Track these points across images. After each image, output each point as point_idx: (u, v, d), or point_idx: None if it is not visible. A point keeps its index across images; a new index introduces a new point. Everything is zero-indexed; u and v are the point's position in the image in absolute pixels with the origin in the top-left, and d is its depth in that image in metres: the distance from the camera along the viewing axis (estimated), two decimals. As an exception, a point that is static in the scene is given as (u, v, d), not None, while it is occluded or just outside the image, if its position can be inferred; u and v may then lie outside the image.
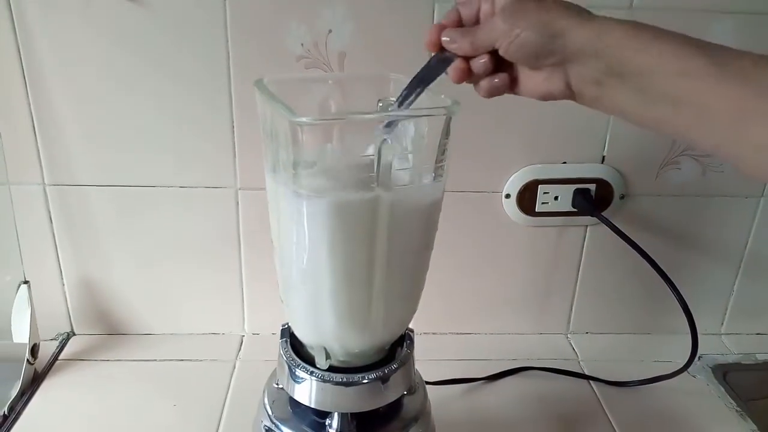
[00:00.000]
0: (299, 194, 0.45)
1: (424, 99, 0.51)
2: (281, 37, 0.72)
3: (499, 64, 0.46)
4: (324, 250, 0.46)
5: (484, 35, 0.45)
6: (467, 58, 0.46)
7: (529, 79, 0.47)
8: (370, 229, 0.46)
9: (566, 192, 0.81)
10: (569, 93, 0.46)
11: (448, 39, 0.46)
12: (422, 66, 0.47)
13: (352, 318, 0.50)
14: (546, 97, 0.47)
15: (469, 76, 0.47)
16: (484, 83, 0.48)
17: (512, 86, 0.48)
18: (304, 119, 0.42)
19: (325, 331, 0.50)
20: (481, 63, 0.46)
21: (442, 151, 0.48)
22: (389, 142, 0.45)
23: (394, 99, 0.54)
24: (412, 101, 0.47)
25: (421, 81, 0.47)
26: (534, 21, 0.43)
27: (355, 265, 0.47)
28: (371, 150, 0.45)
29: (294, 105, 0.47)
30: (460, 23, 0.47)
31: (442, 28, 0.47)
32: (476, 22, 0.46)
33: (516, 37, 0.43)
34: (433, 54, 0.47)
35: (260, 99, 0.47)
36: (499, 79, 0.47)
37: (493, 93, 0.48)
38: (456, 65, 0.47)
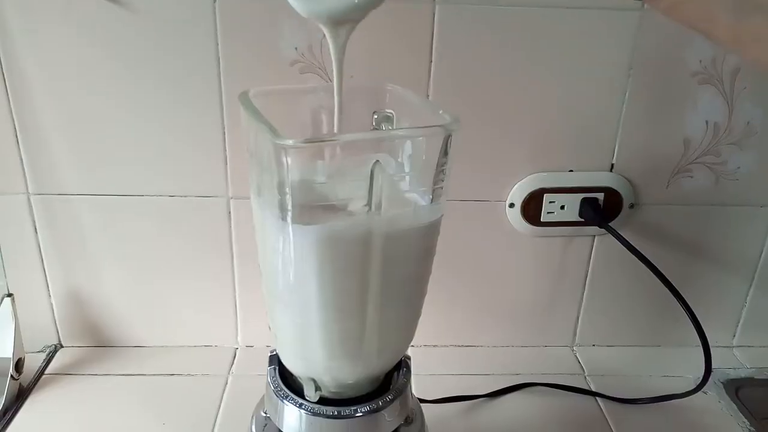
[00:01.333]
0: (285, 221, 0.41)
1: (425, 115, 0.47)
2: (274, 41, 0.68)
3: None
4: (313, 279, 0.43)
5: None
6: None
7: None
8: (363, 257, 0.43)
9: (573, 201, 0.78)
10: None
11: None
12: None
13: (343, 350, 0.46)
14: None
15: None
16: None
17: None
18: (289, 142, 0.38)
19: (315, 362, 0.47)
20: None
21: (440, 171, 0.44)
22: (382, 162, 0.41)
23: (391, 111, 0.51)
24: None
25: None
26: None
27: (346, 295, 0.44)
28: (363, 172, 0.41)
29: (284, 117, 0.44)
30: None
31: None
32: None
33: None
34: None
35: (244, 116, 0.44)
36: None
37: None
38: None
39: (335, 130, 0.45)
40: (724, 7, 0.36)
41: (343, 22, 0.43)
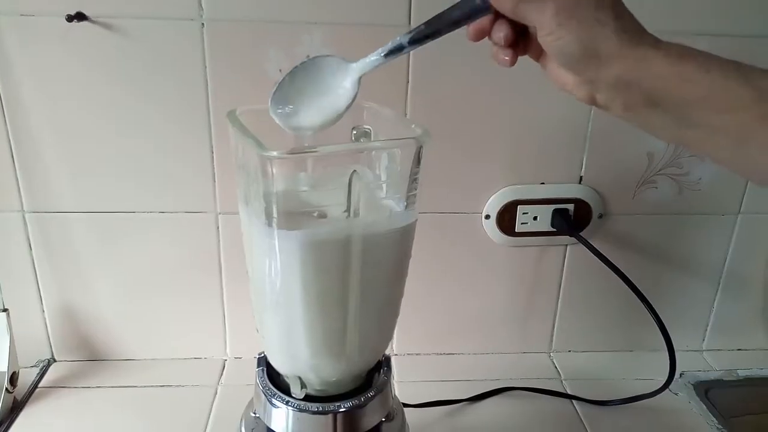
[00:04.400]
0: (271, 227, 0.45)
1: (400, 129, 0.51)
2: (260, 63, 0.72)
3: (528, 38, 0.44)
4: (297, 281, 0.46)
5: (530, 11, 0.41)
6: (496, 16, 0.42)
7: (554, 71, 0.44)
8: (343, 259, 0.46)
9: (545, 212, 0.82)
10: (593, 103, 0.44)
11: None
12: (447, 8, 0.43)
13: (327, 348, 0.50)
14: (565, 92, 0.45)
15: (486, 36, 0.44)
16: (499, 51, 0.44)
17: (537, 57, 0.45)
18: (273, 153, 0.42)
19: (301, 361, 0.50)
20: (501, 36, 0.43)
21: (413, 179, 0.48)
22: (359, 172, 0.45)
23: (368, 127, 0.55)
24: (414, 47, 0.44)
25: (437, 30, 0.43)
26: (582, 30, 0.40)
27: (328, 296, 0.47)
28: (342, 181, 0.45)
29: (269, 134, 0.47)
30: None
31: None
32: None
33: (557, 39, 0.40)
34: None
35: (231, 131, 0.47)
36: (511, 57, 0.44)
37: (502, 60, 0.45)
38: (479, 25, 0.43)
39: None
40: (664, 125, 0.42)
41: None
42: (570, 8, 0.40)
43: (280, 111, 0.47)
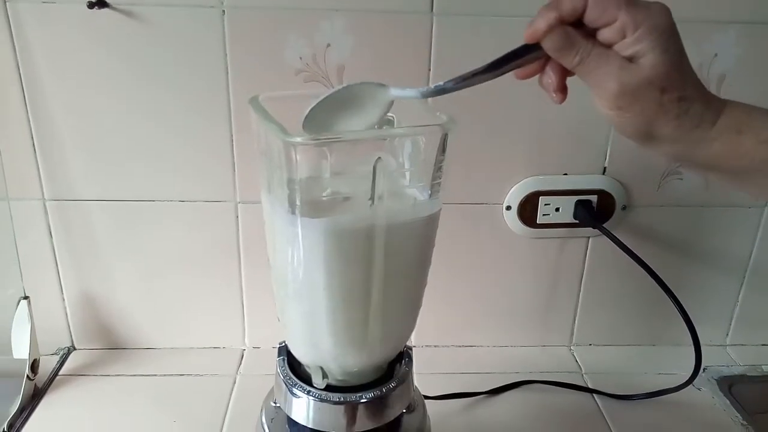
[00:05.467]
0: (294, 214, 0.44)
1: (424, 117, 0.50)
2: (280, 51, 0.72)
3: None
4: (320, 269, 0.45)
5: (593, 71, 0.40)
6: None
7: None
8: (367, 248, 0.45)
9: (568, 203, 0.80)
10: None
11: (559, 40, 0.40)
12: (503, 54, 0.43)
13: (349, 337, 0.49)
14: None
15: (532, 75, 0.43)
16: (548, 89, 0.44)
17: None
18: (297, 139, 0.42)
19: (322, 350, 0.50)
20: (550, 83, 0.43)
21: (438, 168, 0.47)
22: (384, 159, 0.44)
23: (392, 115, 0.54)
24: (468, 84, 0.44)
25: (493, 68, 0.43)
26: (643, 117, 0.40)
27: (351, 285, 0.47)
28: (366, 168, 0.44)
29: (291, 122, 0.47)
30: (578, 18, 0.40)
31: (561, 21, 0.40)
32: (594, 29, 0.40)
33: (617, 117, 0.40)
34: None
35: (254, 117, 0.47)
36: (560, 99, 0.44)
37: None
38: (530, 69, 0.43)
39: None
40: (716, 178, 0.44)
41: None
42: (633, 92, 0.39)
43: (312, 128, 0.46)
